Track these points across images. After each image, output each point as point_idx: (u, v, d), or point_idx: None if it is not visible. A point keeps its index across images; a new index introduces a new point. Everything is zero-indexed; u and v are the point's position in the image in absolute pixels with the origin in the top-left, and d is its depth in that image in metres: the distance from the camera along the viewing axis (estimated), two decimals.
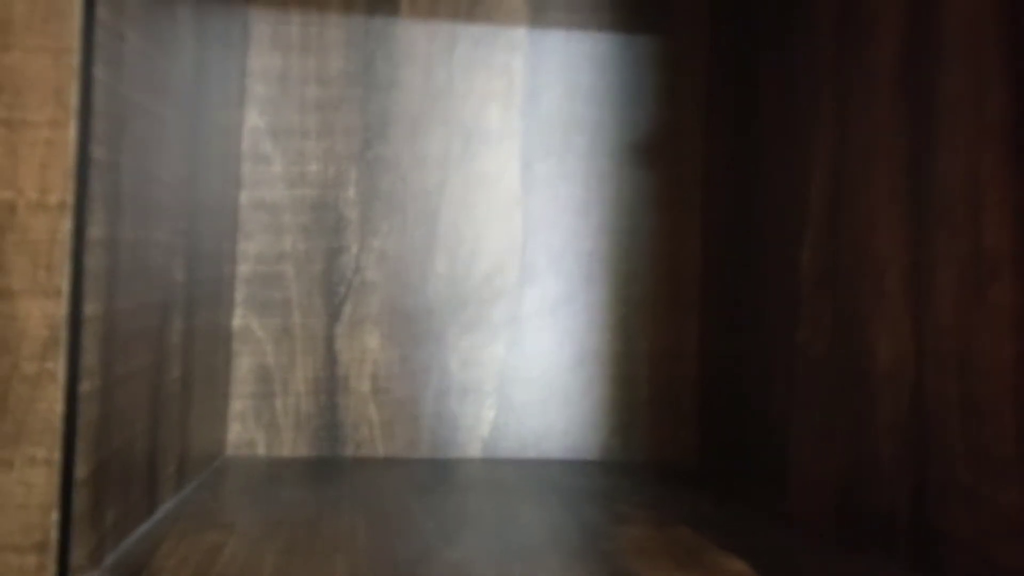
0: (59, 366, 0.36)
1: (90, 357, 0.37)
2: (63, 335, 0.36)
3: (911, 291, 0.46)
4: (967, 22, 0.43)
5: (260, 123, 0.71)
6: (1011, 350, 0.38)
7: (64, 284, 0.36)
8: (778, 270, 0.61)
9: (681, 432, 0.74)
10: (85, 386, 0.37)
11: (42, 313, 0.36)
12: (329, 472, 0.65)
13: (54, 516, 0.36)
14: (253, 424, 0.70)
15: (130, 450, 0.44)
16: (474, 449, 0.72)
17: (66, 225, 0.36)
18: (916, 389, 0.45)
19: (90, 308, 0.37)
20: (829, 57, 0.56)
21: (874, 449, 0.48)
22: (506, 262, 0.73)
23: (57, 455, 0.36)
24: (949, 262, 0.43)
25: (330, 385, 0.71)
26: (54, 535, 0.36)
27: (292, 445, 0.71)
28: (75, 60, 0.36)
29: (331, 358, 0.72)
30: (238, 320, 0.70)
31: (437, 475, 0.65)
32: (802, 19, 0.60)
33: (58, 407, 0.36)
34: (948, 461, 0.42)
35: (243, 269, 0.71)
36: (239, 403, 0.70)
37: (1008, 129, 0.40)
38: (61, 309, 0.36)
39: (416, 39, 0.73)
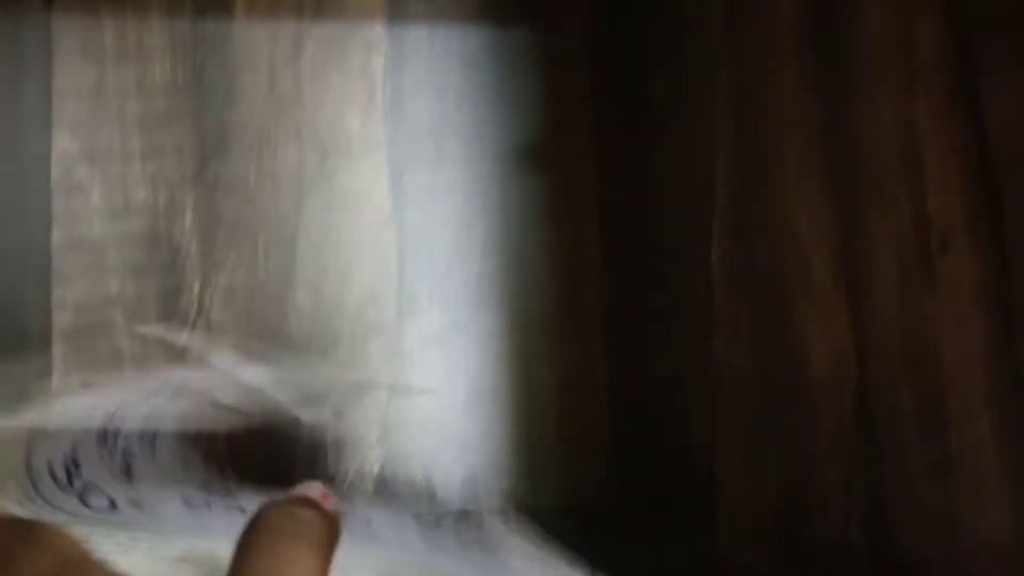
0: None
1: None
2: None
3: (843, 278, 0.38)
4: None
5: (72, 147, 0.60)
6: (980, 335, 0.30)
7: None
8: (688, 276, 0.52)
9: (594, 471, 0.64)
10: None
11: None
12: None
13: None
14: None
15: None
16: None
17: None
18: (860, 395, 0.37)
19: None
20: (722, 26, 0.48)
21: (815, 472, 0.39)
22: (381, 290, 0.63)
23: None
24: (887, 238, 0.35)
25: None
26: None
27: None
28: None
29: None
30: (57, 383, 0.58)
31: None
32: None
33: None
34: (910, 480, 0.34)
35: (60, 321, 0.59)
36: None
37: (945, 68, 0.33)
38: None
39: (255, 42, 0.63)
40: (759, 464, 0.44)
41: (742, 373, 0.46)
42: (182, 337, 0.60)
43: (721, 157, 0.48)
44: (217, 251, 0.61)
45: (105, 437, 0.40)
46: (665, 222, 0.56)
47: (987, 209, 0.29)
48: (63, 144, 0.60)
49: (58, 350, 0.58)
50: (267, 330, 0.61)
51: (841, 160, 0.37)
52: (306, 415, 0.60)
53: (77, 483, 0.38)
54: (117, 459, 0.42)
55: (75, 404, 0.43)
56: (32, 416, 0.38)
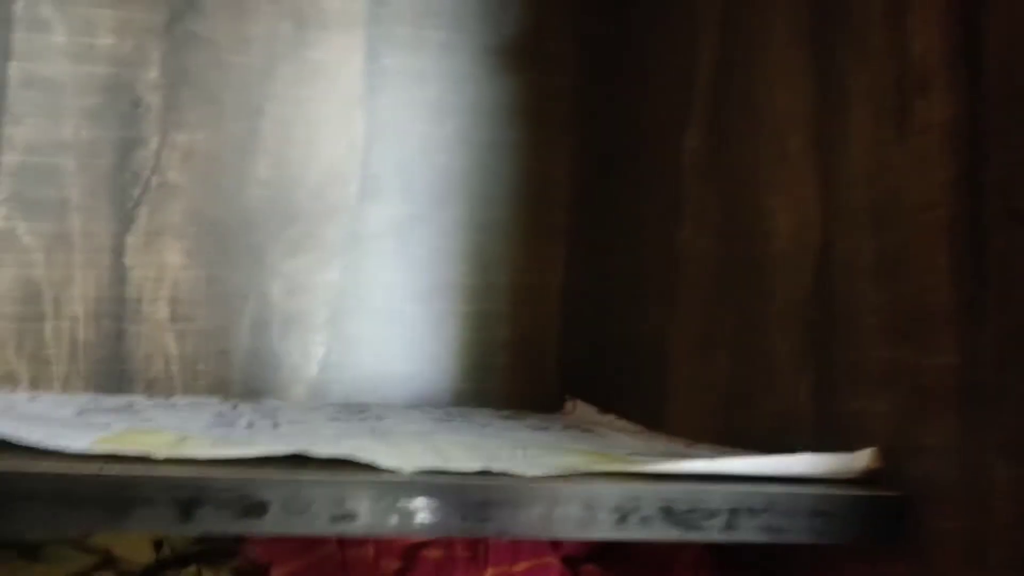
0: None
1: None
2: None
3: (818, 144, 0.37)
4: None
5: None
6: (944, 175, 0.30)
7: None
8: (657, 168, 0.52)
9: (543, 377, 0.63)
10: None
11: None
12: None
13: None
14: (13, 353, 0.56)
15: None
16: (298, 392, 0.60)
17: None
18: (821, 261, 0.36)
19: None
20: None
21: (769, 344, 0.39)
22: (344, 171, 0.62)
23: None
24: (864, 94, 0.34)
25: (117, 308, 0.58)
26: None
27: (64, 381, 0.56)
28: None
29: (119, 275, 0.58)
30: (2, 224, 0.56)
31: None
32: None
33: None
34: (861, 337, 0.33)
35: (8, 160, 0.56)
36: None
37: None
38: None
39: None
40: (711, 346, 0.44)
41: (704, 258, 0.45)
42: (135, 193, 0.58)
43: (705, 39, 0.47)
44: (181, 108, 0.59)
45: None
46: (639, 118, 0.55)
47: (968, 45, 0.29)
48: None
49: (2, 190, 0.56)
50: (223, 196, 0.60)
51: (827, 22, 0.36)
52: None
53: None
54: None
55: None
56: None
